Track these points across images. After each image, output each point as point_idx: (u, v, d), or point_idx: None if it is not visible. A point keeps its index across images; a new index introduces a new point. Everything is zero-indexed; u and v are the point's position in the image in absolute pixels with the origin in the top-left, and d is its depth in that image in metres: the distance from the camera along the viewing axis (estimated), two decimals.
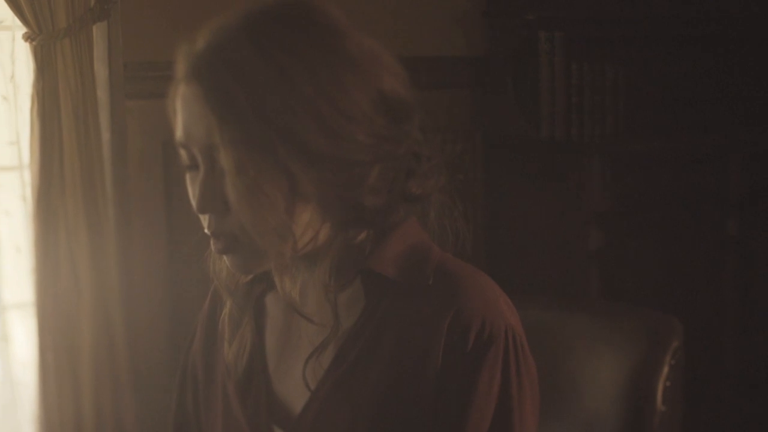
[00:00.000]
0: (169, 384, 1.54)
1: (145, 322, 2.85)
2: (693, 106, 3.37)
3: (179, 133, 1.27)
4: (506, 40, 3.21)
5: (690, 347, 1.67)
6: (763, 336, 3.24)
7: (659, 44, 3.34)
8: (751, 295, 3.23)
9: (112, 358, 2.72)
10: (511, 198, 3.21)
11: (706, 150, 3.17)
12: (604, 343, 1.65)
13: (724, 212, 3.16)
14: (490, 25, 3.25)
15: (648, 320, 1.66)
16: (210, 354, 1.44)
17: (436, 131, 1.33)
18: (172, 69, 1.29)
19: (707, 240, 3.16)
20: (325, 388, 1.29)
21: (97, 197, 2.67)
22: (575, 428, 1.65)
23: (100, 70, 2.72)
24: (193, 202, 1.27)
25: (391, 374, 1.27)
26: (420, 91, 1.31)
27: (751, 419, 3.24)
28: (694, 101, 3.38)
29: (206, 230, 1.28)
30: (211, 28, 1.26)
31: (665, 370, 1.60)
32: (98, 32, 2.72)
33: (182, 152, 1.28)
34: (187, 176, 1.29)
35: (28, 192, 2.68)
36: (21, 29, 2.60)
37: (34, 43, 2.58)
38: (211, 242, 1.29)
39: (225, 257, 1.30)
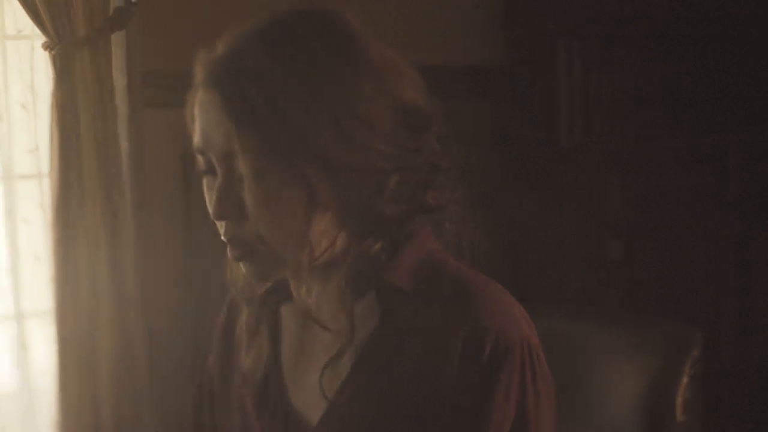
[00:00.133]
0: (189, 392, 1.54)
1: (163, 329, 2.85)
2: (709, 109, 3.34)
3: (197, 139, 1.27)
4: (525, 49, 3.21)
5: (712, 356, 1.66)
6: None
7: (680, 54, 3.32)
8: None
9: (131, 366, 2.72)
10: (529, 208, 3.20)
11: (727, 154, 3.15)
12: (623, 354, 1.64)
13: (747, 220, 3.15)
14: (509, 34, 3.25)
15: (667, 330, 1.65)
16: (226, 365, 1.44)
17: (453, 141, 1.32)
18: (191, 78, 1.29)
19: (732, 246, 3.14)
20: (343, 399, 1.29)
21: (115, 205, 2.67)
22: None
23: (119, 79, 2.73)
24: (210, 209, 1.27)
25: (407, 386, 1.26)
26: (438, 101, 1.31)
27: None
28: (711, 104, 3.35)
29: (223, 237, 1.28)
30: (231, 35, 1.26)
31: (685, 380, 1.59)
32: (117, 41, 2.72)
33: (200, 158, 1.28)
34: (205, 183, 1.29)
35: (47, 200, 2.69)
36: (40, 38, 2.61)
37: (53, 52, 2.59)
38: (228, 249, 1.29)
39: (241, 264, 1.30)
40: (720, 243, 3.14)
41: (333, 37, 1.25)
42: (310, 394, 1.32)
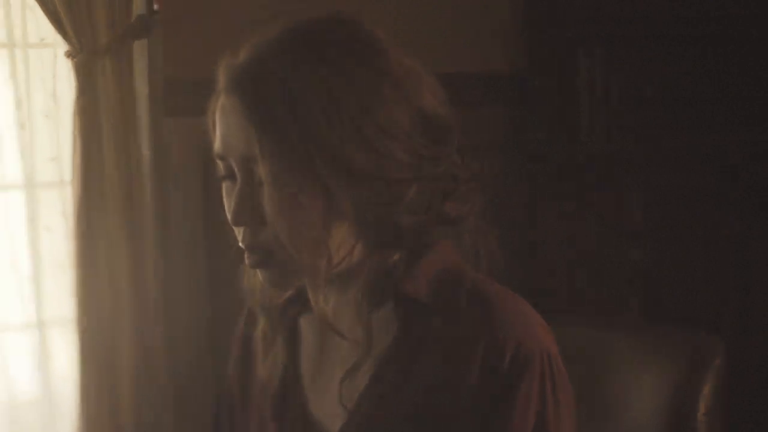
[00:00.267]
0: (209, 400, 1.54)
1: (184, 337, 2.86)
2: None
3: (217, 144, 1.27)
4: (544, 56, 3.20)
5: (735, 364, 1.65)
6: None
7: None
8: None
9: (151, 374, 2.73)
10: (549, 215, 3.19)
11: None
12: (644, 363, 1.63)
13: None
14: (528, 41, 3.25)
15: (689, 339, 1.64)
16: (245, 374, 1.44)
17: (474, 149, 1.32)
18: (212, 86, 1.30)
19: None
20: (363, 409, 1.29)
21: (137, 213, 2.68)
22: None
23: (141, 87, 2.74)
24: (229, 215, 1.28)
25: (427, 397, 1.26)
26: (457, 108, 1.31)
27: None
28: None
29: (240, 243, 1.28)
30: (254, 41, 1.27)
31: (706, 389, 1.59)
32: (139, 49, 2.73)
33: (220, 164, 1.28)
34: (224, 189, 1.29)
35: (70, 208, 2.70)
36: (63, 46, 2.63)
37: (75, 60, 2.60)
38: (245, 256, 1.29)
39: (258, 271, 1.30)
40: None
41: (355, 45, 1.25)
42: (330, 404, 1.32)
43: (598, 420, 1.64)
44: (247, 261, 1.29)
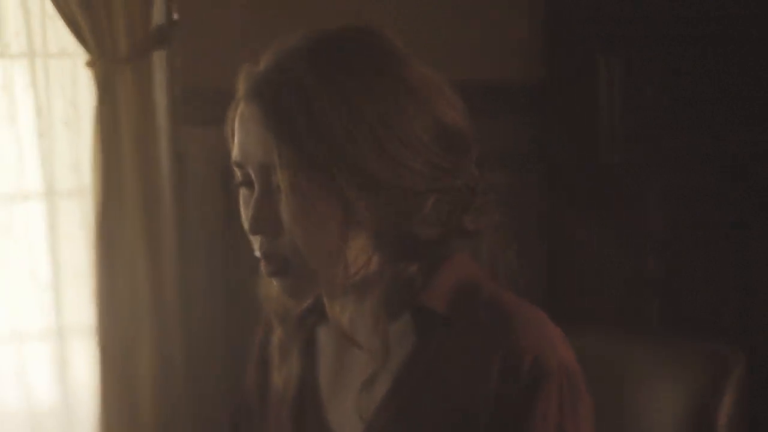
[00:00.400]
0: (228, 409, 1.54)
1: (203, 346, 2.86)
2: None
3: (236, 152, 1.27)
4: (564, 65, 3.20)
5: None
6: None
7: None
8: None
9: (170, 382, 2.73)
10: (568, 226, 3.18)
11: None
12: (664, 374, 1.63)
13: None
14: (548, 50, 3.24)
15: (709, 351, 1.64)
16: (263, 384, 1.44)
17: (492, 159, 1.32)
18: (232, 95, 1.30)
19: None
20: (380, 421, 1.28)
21: (156, 222, 2.69)
22: None
23: (160, 97, 2.75)
24: (246, 223, 1.28)
25: (444, 409, 1.26)
26: (475, 118, 1.30)
27: None
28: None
29: (257, 252, 1.29)
30: (274, 50, 1.27)
31: (726, 401, 1.58)
32: (158, 59, 2.74)
33: (237, 172, 1.28)
34: (241, 197, 1.29)
35: (89, 216, 2.70)
36: (83, 55, 2.63)
37: (95, 69, 2.60)
38: (262, 264, 1.29)
39: (275, 280, 1.30)
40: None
41: (375, 55, 1.25)
42: (347, 414, 1.31)
43: (618, 431, 1.63)
44: (263, 270, 1.29)
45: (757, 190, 3.11)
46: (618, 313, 3.06)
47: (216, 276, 2.87)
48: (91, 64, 2.61)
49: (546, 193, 3.19)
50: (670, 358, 1.65)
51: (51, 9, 2.61)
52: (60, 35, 2.67)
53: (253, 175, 1.26)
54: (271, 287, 1.35)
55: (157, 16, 2.70)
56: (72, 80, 2.72)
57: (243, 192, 1.30)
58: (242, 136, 1.26)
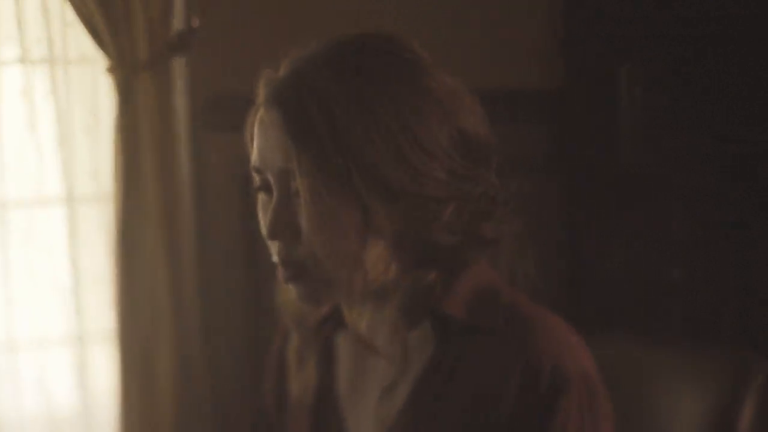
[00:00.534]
0: (249, 415, 1.54)
1: (224, 352, 2.87)
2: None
3: (255, 157, 1.28)
4: (583, 72, 3.19)
5: None
6: None
7: (744, 77, 3.28)
8: None
9: (191, 388, 2.73)
10: (589, 233, 3.18)
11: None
12: (686, 381, 1.62)
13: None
14: (567, 57, 3.24)
15: (731, 357, 1.63)
16: (281, 391, 1.44)
17: (512, 166, 1.32)
18: (251, 102, 1.30)
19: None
20: (400, 427, 1.28)
21: (176, 228, 2.69)
22: None
23: (180, 103, 2.75)
24: (264, 229, 1.28)
25: (464, 418, 1.25)
26: (495, 125, 1.30)
27: None
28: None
29: (274, 258, 1.29)
30: (295, 56, 1.27)
31: (748, 408, 1.57)
32: (178, 65, 2.75)
33: (256, 177, 1.28)
34: (259, 203, 1.30)
35: (109, 223, 2.71)
36: (103, 62, 2.64)
37: (115, 75, 2.61)
38: (279, 270, 1.29)
39: (292, 287, 1.30)
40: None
41: (396, 62, 1.26)
42: (367, 421, 1.31)
43: None
44: (281, 276, 1.29)
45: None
46: (639, 319, 3.05)
47: (235, 282, 2.87)
48: (111, 70, 2.61)
49: (565, 201, 3.19)
50: (692, 367, 1.65)
51: (71, 15, 2.62)
52: (80, 41, 2.68)
53: (272, 181, 1.26)
54: (289, 293, 1.35)
55: (177, 22, 2.71)
56: (92, 87, 2.73)
57: (261, 197, 1.30)
58: (262, 141, 1.26)
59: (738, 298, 3.11)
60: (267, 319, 2.79)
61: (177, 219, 2.69)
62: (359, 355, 1.35)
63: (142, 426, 2.70)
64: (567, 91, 3.23)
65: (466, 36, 3.07)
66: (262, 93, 1.27)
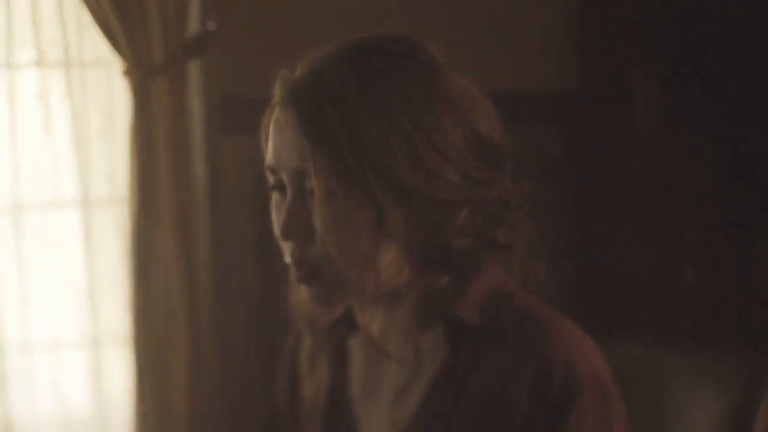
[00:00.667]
0: (262, 418, 1.55)
1: (239, 355, 2.87)
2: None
3: (269, 157, 1.28)
4: (597, 75, 3.19)
5: None
6: None
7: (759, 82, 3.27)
8: None
9: (206, 391, 2.74)
10: (602, 236, 3.17)
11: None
12: (700, 382, 1.62)
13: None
14: (581, 60, 3.23)
15: (745, 359, 1.63)
16: (293, 394, 1.44)
17: (525, 169, 1.32)
18: (266, 104, 1.30)
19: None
20: (414, 430, 1.28)
21: (191, 231, 2.69)
22: None
23: (195, 106, 2.76)
24: (277, 229, 1.28)
25: (477, 420, 1.25)
26: (509, 127, 1.30)
27: None
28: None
29: (287, 258, 1.29)
30: (312, 57, 1.27)
31: (763, 409, 1.57)
32: (193, 68, 2.75)
33: (270, 177, 1.28)
34: (273, 203, 1.30)
35: (124, 226, 2.71)
36: (118, 65, 2.65)
37: (130, 78, 2.62)
38: (292, 271, 1.29)
39: (305, 287, 1.30)
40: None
41: (412, 64, 1.26)
42: (379, 424, 1.32)
43: None
44: (293, 276, 1.29)
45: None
46: (652, 321, 3.05)
47: (250, 284, 2.88)
48: (126, 73, 2.62)
49: (579, 204, 3.18)
50: (705, 369, 1.65)
51: (87, 18, 2.62)
52: (95, 45, 2.68)
53: (286, 181, 1.26)
54: (301, 294, 1.35)
55: (192, 25, 2.71)
56: (107, 90, 2.74)
57: (275, 197, 1.30)
58: (277, 141, 1.27)
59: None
60: (281, 321, 2.80)
61: (191, 221, 2.70)
62: (372, 357, 1.35)
63: (157, 428, 2.71)
64: (580, 95, 3.23)
65: (480, 38, 3.07)
66: (278, 93, 1.28)
